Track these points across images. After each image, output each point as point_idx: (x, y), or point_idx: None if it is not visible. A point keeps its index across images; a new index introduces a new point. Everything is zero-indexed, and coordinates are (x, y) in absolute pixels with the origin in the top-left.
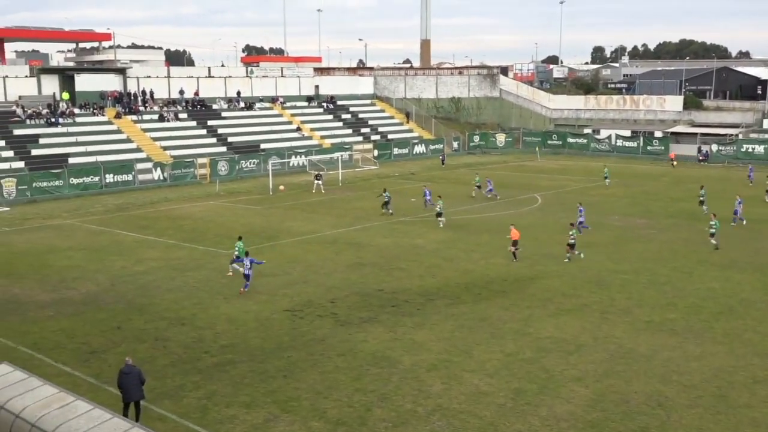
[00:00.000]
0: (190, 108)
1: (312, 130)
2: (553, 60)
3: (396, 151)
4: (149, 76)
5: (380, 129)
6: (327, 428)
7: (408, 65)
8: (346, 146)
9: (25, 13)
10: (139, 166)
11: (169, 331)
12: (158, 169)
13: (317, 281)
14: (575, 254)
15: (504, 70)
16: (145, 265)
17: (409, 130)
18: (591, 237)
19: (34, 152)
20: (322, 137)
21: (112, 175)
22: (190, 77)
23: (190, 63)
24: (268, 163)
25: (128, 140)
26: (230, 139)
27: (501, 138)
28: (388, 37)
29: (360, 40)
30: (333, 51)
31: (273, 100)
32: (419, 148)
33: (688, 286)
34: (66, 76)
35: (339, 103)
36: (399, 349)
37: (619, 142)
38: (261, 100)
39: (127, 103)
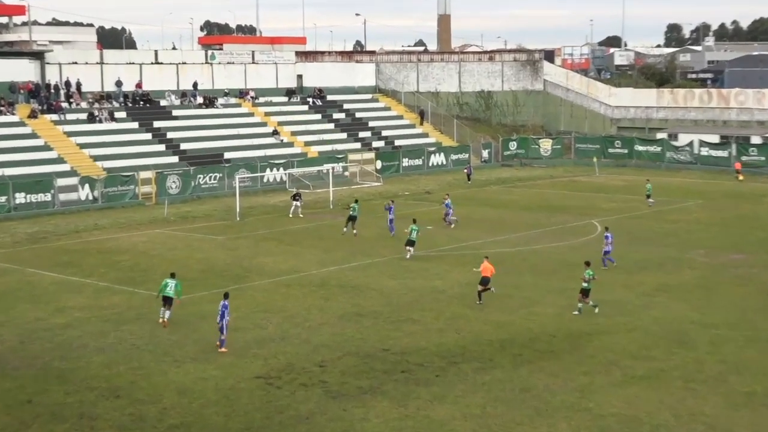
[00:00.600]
0: (129, 104)
1: (293, 134)
2: (615, 42)
3: (406, 162)
4: (75, 63)
5: (384, 133)
6: None
7: (421, 48)
8: (340, 156)
9: None
10: (61, 182)
11: (99, 407)
12: (86, 186)
13: (300, 338)
14: (588, 304)
15: (549, 55)
16: (67, 316)
17: (424, 135)
18: (668, 278)
19: None
20: (307, 144)
21: (23, 195)
22: (130, 64)
23: (131, 45)
24: (234, 179)
25: (46, 147)
26: (184, 147)
27: (546, 145)
28: (394, 11)
29: (357, 15)
30: (321, 29)
31: (241, 94)
32: (437, 159)
33: None
34: None
35: (329, 98)
36: (411, 431)
37: (704, 151)
38: (226, 94)
39: (45, 97)
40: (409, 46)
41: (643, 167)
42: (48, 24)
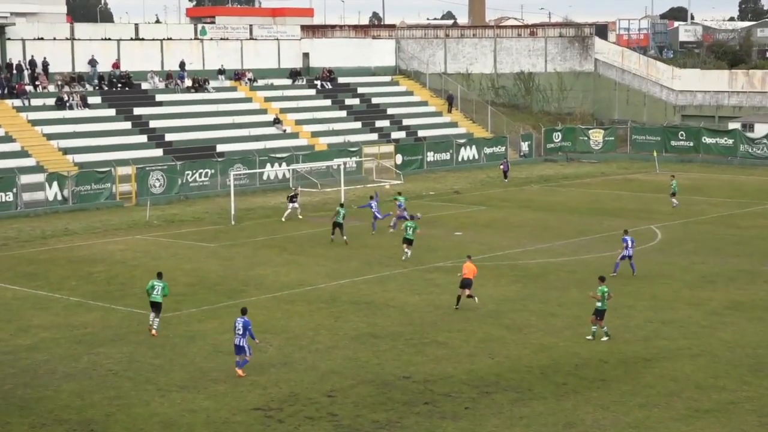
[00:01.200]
0: (105, 88)
1: (298, 123)
2: (679, 14)
3: (431, 156)
4: (42, 38)
5: (406, 122)
6: None
7: (450, 22)
8: (353, 149)
9: None
10: (25, 179)
11: None
12: (55, 184)
13: (306, 363)
14: (602, 328)
15: (601, 30)
16: (33, 337)
17: (452, 124)
18: (740, 294)
19: None
20: (315, 135)
21: None
22: (106, 40)
23: (107, 18)
24: (228, 176)
25: (7, 138)
26: (169, 138)
27: (597, 136)
28: None
29: None
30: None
31: (237, 75)
32: (468, 153)
33: None
34: None
35: (341, 81)
36: None
37: None
38: (220, 74)
39: (5, 79)
40: (435, 19)
41: (712, 163)
42: None
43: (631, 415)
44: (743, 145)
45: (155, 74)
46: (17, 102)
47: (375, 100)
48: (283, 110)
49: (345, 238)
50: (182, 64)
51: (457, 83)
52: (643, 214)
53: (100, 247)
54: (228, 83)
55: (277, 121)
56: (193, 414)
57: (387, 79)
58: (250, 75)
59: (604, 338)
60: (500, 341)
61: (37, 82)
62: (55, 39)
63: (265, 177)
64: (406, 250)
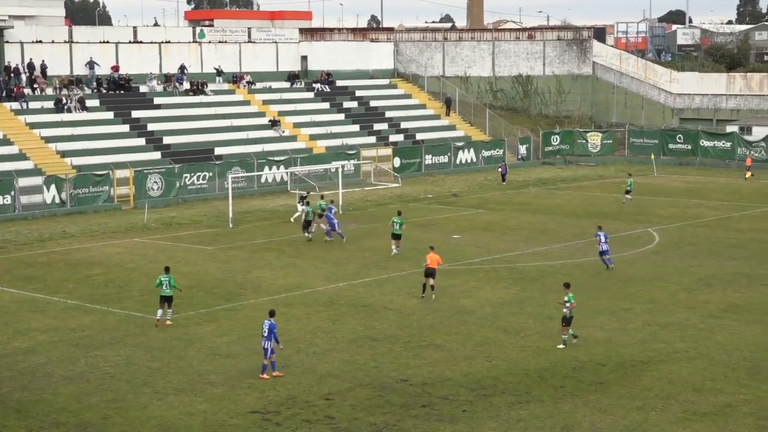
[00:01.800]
0: (104, 91)
1: (297, 126)
2: (677, 18)
3: (429, 159)
4: (40, 41)
5: (404, 125)
6: None
7: (448, 25)
8: (351, 152)
9: None
10: (23, 182)
11: None
12: (53, 187)
13: (303, 366)
14: (565, 335)
15: (599, 33)
16: (30, 340)
17: (450, 127)
18: (738, 297)
19: None
20: (313, 138)
21: None
22: (104, 43)
23: (106, 21)
24: (226, 179)
25: (5, 141)
26: (167, 141)
27: (595, 139)
28: None
29: None
30: (330, 3)
31: (235, 78)
32: (466, 155)
33: None
34: None
35: (339, 83)
36: None
37: None
38: (218, 75)
39: (4, 82)
40: (433, 22)
41: (710, 166)
42: None
43: (629, 418)
44: (741, 148)
45: (153, 77)
46: (15, 105)
47: (373, 103)
48: (282, 113)
49: (309, 235)
50: (181, 67)
51: (455, 86)
52: (640, 217)
53: (98, 250)
54: (226, 86)
55: (275, 124)
56: (191, 417)
57: (385, 82)
58: (248, 78)
59: (560, 345)
60: (498, 344)
61: (35, 86)
62: (53, 42)
63: (263, 180)
64: (393, 246)
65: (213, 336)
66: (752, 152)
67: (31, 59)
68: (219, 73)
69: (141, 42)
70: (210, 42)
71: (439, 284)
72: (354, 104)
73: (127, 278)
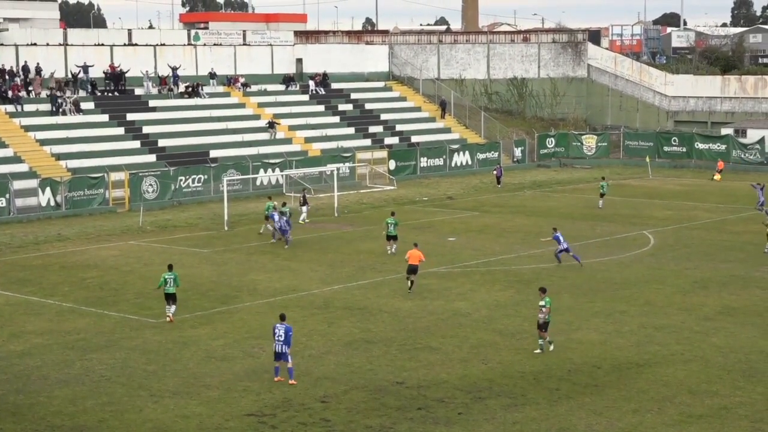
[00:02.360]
0: (98, 93)
1: (292, 128)
2: (672, 20)
3: (424, 162)
4: (34, 44)
5: (399, 128)
6: None
7: (443, 28)
8: (346, 155)
9: None
10: (18, 184)
11: None
12: (48, 189)
13: (299, 368)
14: (544, 340)
15: (594, 36)
16: (25, 343)
17: (446, 130)
18: (733, 299)
19: None
20: (308, 140)
21: None
22: (99, 45)
23: (101, 24)
24: (221, 181)
25: (0, 144)
26: (162, 143)
27: (590, 142)
28: None
29: None
30: (325, 5)
31: (230, 81)
32: (461, 158)
33: None
34: None
35: (334, 86)
36: None
37: None
38: (212, 78)
39: None
40: (428, 24)
41: (705, 169)
42: None
43: (624, 421)
44: (736, 151)
45: (148, 80)
46: (10, 108)
47: (368, 106)
48: (277, 116)
49: (288, 235)
50: (175, 70)
51: (450, 89)
52: (635, 219)
53: (93, 252)
54: (221, 89)
55: (271, 125)
56: (186, 420)
57: (380, 84)
58: (243, 81)
59: (537, 351)
60: (493, 347)
61: (30, 88)
62: (48, 44)
63: (258, 182)
64: (387, 247)
65: (208, 339)
66: (746, 155)
67: (26, 62)
68: (213, 75)
69: (136, 44)
70: (205, 45)
71: (434, 287)
72: (349, 107)
73: (123, 281)
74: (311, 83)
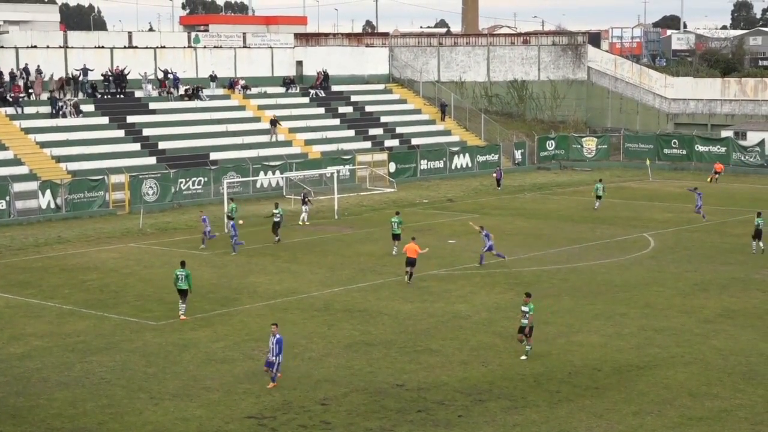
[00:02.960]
0: (99, 95)
1: (292, 131)
2: (672, 23)
3: (424, 164)
4: (35, 46)
5: (399, 130)
6: None
7: (443, 30)
8: (346, 157)
9: None
10: (18, 187)
11: None
12: (48, 192)
13: (299, 371)
14: (527, 345)
15: (594, 39)
16: (25, 345)
17: (445, 132)
18: (733, 302)
19: None
20: (308, 143)
21: None
22: (99, 48)
23: (101, 26)
24: (222, 184)
25: (0, 146)
26: (162, 146)
27: (590, 144)
28: None
29: None
30: (325, 8)
31: (230, 84)
32: (461, 160)
33: None
34: None
35: (334, 88)
36: None
37: None
38: (212, 80)
39: None
40: (428, 27)
41: (705, 171)
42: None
43: (625, 423)
44: (735, 153)
45: (148, 82)
46: (10, 110)
47: (368, 108)
48: (278, 118)
49: (278, 238)
50: (174, 72)
51: (450, 91)
52: (635, 221)
53: (93, 255)
54: (221, 91)
55: (271, 129)
56: (186, 422)
57: (380, 87)
58: (243, 83)
59: (523, 357)
60: (493, 349)
61: (30, 90)
62: (48, 47)
63: (258, 185)
64: (395, 246)
65: (209, 341)
66: (746, 157)
67: (26, 64)
68: (214, 78)
69: (136, 47)
70: (205, 47)
71: (434, 289)
72: (349, 109)
73: (123, 283)
74: (312, 92)
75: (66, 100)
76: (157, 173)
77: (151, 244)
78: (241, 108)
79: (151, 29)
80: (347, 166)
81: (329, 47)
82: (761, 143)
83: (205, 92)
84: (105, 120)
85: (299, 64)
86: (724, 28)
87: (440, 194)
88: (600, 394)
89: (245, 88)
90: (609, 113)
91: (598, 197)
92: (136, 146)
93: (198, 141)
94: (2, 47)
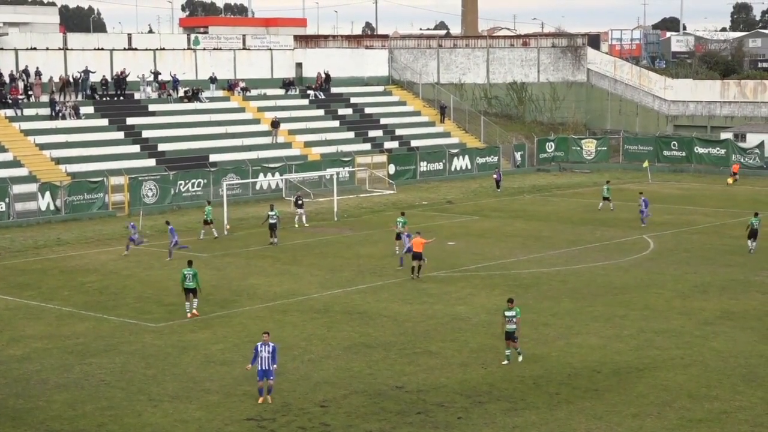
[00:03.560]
0: (98, 97)
1: (291, 133)
2: (671, 25)
3: (424, 166)
4: (34, 48)
5: (398, 132)
6: None
7: (443, 32)
8: (346, 159)
9: None
10: (17, 189)
11: None
12: (47, 194)
13: (299, 373)
14: (515, 350)
15: (594, 41)
16: (24, 347)
17: (445, 134)
18: (733, 304)
19: None
20: (308, 145)
21: None
22: (99, 50)
23: (100, 28)
24: (221, 186)
25: (0, 148)
26: (162, 148)
27: (590, 146)
28: None
29: None
30: (325, 9)
31: (230, 85)
32: (460, 162)
33: None
34: None
35: (334, 90)
36: None
37: None
38: (212, 82)
39: None
40: (428, 29)
41: (704, 173)
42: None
43: (624, 425)
44: (735, 155)
45: (148, 84)
46: (10, 112)
47: (368, 110)
48: (277, 120)
49: (275, 240)
50: (154, 73)
51: (450, 93)
52: (635, 223)
53: (93, 257)
54: (221, 93)
55: (271, 130)
56: (185, 424)
57: (380, 89)
58: (242, 85)
59: (505, 362)
60: (493, 351)
61: (30, 92)
62: (47, 49)
63: (257, 187)
64: (396, 247)
65: (208, 343)
66: (745, 159)
67: (26, 66)
68: (213, 80)
69: (136, 49)
70: (205, 49)
71: (434, 291)
72: (349, 111)
73: (122, 285)
74: (311, 93)
75: (65, 102)
76: (156, 175)
77: (151, 246)
78: (241, 110)
79: (150, 31)
80: (347, 168)
81: (329, 49)
82: (761, 145)
83: (205, 94)
84: (104, 122)
85: (299, 65)
86: (723, 30)
87: (440, 196)
88: (599, 396)
89: (245, 89)
90: (608, 115)
91: (605, 198)
92: (136, 148)
93: (197, 143)
94: (2, 49)
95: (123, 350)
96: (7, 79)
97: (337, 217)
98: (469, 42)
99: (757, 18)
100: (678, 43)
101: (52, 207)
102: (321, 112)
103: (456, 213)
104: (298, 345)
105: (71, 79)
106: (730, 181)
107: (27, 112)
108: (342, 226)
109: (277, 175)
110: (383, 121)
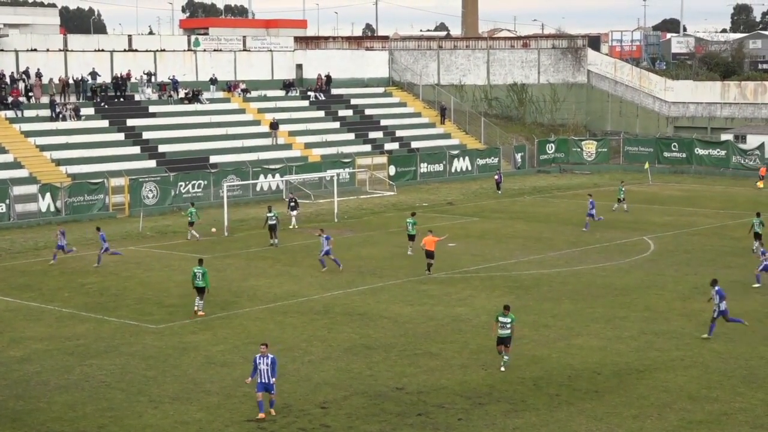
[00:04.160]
0: (98, 99)
1: (292, 134)
2: (672, 26)
3: (424, 167)
4: (35, 50)
5: (399, 133)
6: None
7: (443, 33)
8: (346, 160)
9: None
10: (18, 190)
11: None
12: (48, 195)
13: (299, 374)
14: (507, 355)
15: (594, 42)
16: (25, 348)
17: (445, 135)
18: (733, 305)
19: None
20: (308, 146)
21: None
22: (99, 51)
23: (101, 29)
24: (221, 187)
25: (0, 149)
26: (162, 149)
27: (590, 148)
28: None
29: None
30: (325, 10)
31: (230, 87)
32: (461, 164)
33: None
34: None
35: (334, 92)
36: None
37: None
38: (212, 83)
39: None
40: (428, 30)
41: (705, 174)
42: (2, 4)
43: (625, 426)
44: (735, 157)
45: (148, 85)
46: (10, 113)
47: (368, 112)
48: (277, 121)
49: (275, 241)
50: (149, 74)
51: (450, 94)
52: (636, 225)
53: (93, 258)
54: (221, 94)
55: (271, 132)
56: (186, 426)
57: (380, 90)
58: (243, 86)
59: (502, 368)
60: (493, 353)
61: (30, 94)
62: (48, 50)
63: (258, 188)
64: (410, 246)
65: (208, 344)
66: (745, 161)
67: (27, 67)
68: (214, 81)
69: (136, 50)
70: (205, 50)
71: (434, 292)
72: (349, 112)
73: (122, 286)
74: (311, 95)
75: (65, 103)
76: (156, 176)
77: (151, 247)
78: (241, 111)
79: (151, 32)
80: (347, 170)
81: (329, 50)
82: (761, 146)
83: (205, 95)
84: (105, 123)
85: (299, 67)
86: (723, 31)
87: (440, 197)
88: (600, 397)
89: (245, 91)
90: (609, 116)
91: (620, 200)
92: (136, 149)
93: (198, 144)
94: (2, 50)
95: (123, 351)
96: (7, 81)
97: (338, 218)
98: (469, 43)
99: (758, 19)
100: (678, 45)
101: (52, 208)
102: (321, 113)
103: (456, 214)
104: (299, 346)
105: (72, 80)
106: (760, 184)
107: (27, 113)
108: (342, 228)
109: (277, 176)
110: (383, 122)
